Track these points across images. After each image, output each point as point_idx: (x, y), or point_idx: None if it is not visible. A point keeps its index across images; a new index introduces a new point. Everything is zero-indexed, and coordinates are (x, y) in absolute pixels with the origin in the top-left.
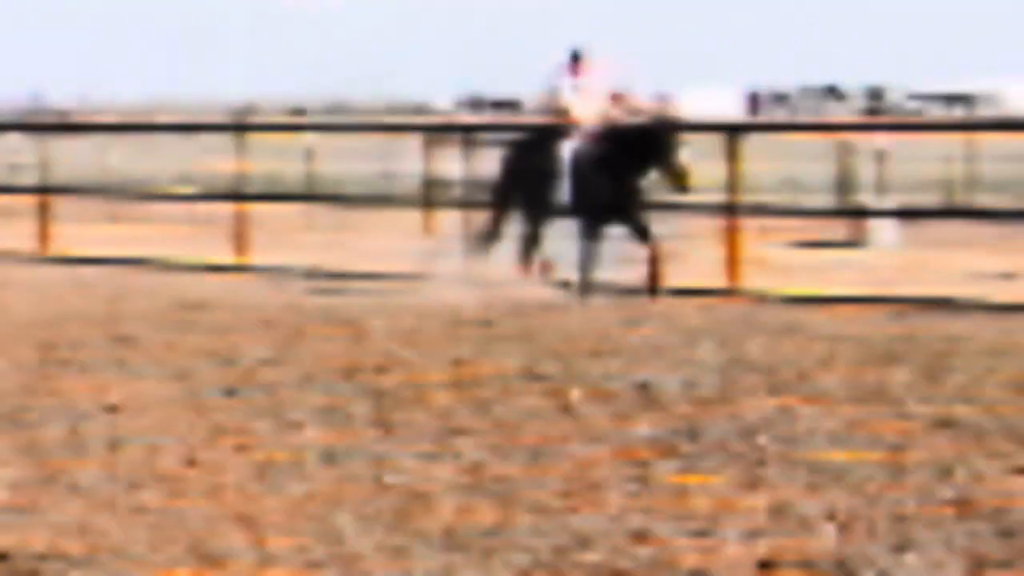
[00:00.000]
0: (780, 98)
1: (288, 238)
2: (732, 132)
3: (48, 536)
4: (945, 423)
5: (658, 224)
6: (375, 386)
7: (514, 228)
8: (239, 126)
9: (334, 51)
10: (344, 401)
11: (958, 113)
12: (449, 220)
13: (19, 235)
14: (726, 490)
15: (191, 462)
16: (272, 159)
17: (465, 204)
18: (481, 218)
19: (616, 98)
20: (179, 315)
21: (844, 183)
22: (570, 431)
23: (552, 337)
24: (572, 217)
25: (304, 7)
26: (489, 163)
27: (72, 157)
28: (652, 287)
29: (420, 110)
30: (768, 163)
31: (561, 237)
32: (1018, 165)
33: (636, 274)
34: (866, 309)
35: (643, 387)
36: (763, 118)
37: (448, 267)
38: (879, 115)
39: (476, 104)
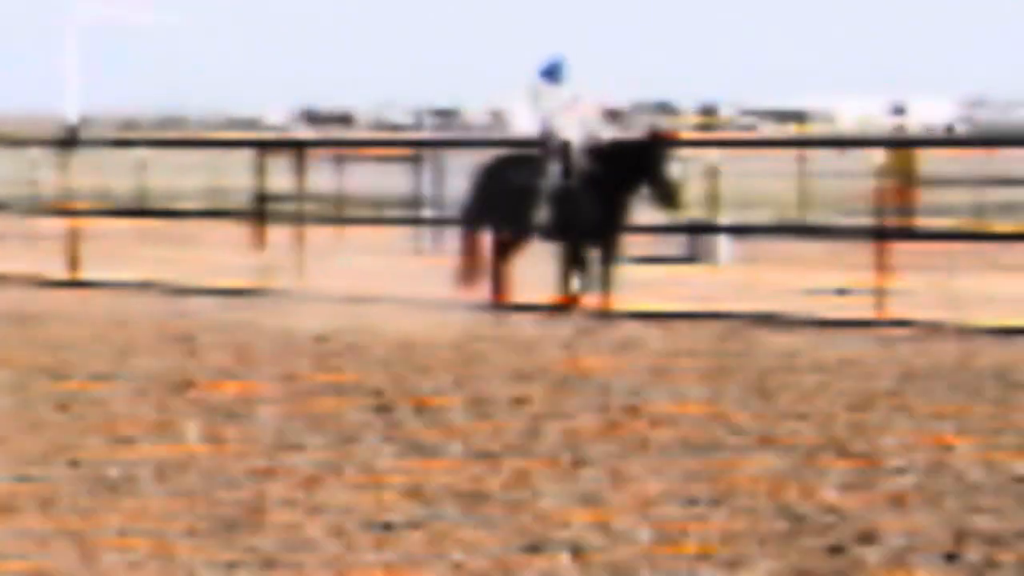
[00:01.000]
0: (613, 114)
1: (120, 253)
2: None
3: None
4: (776, 439)
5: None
6: (208, 401)
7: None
8: (69, 140)
9: (169, 65)
10: (177, 416)
11: (790, 130)
12: (281, 234)
13: None
14: (556, 506)
15: (23, 477)
16: (103, 173)
17: (297, 218)
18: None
19: (589, 110)
20: (11, 330)
21: None
22: (404, 446)
23: (386, 351)
24: (554, 240)
25: (139, 21)
26: (323, 177)
27: None
28: (561, 306)
29: (253, 124)
30: None
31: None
32: (850, 181)
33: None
34: (699, 324)
35: (474, 401)
36: None
37: (281, 281)
38: (712, 131)
39: (310, 118)
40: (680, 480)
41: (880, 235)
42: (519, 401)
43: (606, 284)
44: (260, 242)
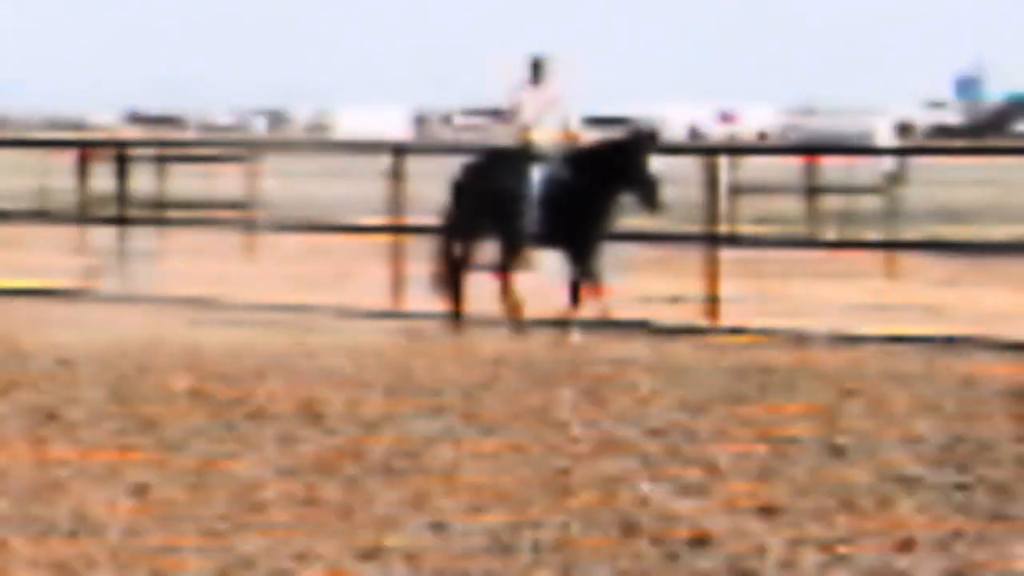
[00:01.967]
0: (445, 120)
1: None
2: (397, 152)
3: None
4: (609, 445)
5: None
6: (34, 405)
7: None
8: None
9: None
10: (0, 420)
11: None
12: (105, 236)
13: None
14: (390, 511)
15: None
16: None
17: (121, 220)
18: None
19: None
20: None
21: None
22: (235, 451)
23: (218, 357)
24: (542, 247)
25: None
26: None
27: None
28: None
29: (79, 126)
30: (435, 184)
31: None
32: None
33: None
34: (532, 332)
35: (307, 407)
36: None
37: (107, 283)
38: None
39: (137, 120)
40: (514, 486)
41: (711, 242)
42: (352, 406)
43: (590, 278)
44: (84, 244)
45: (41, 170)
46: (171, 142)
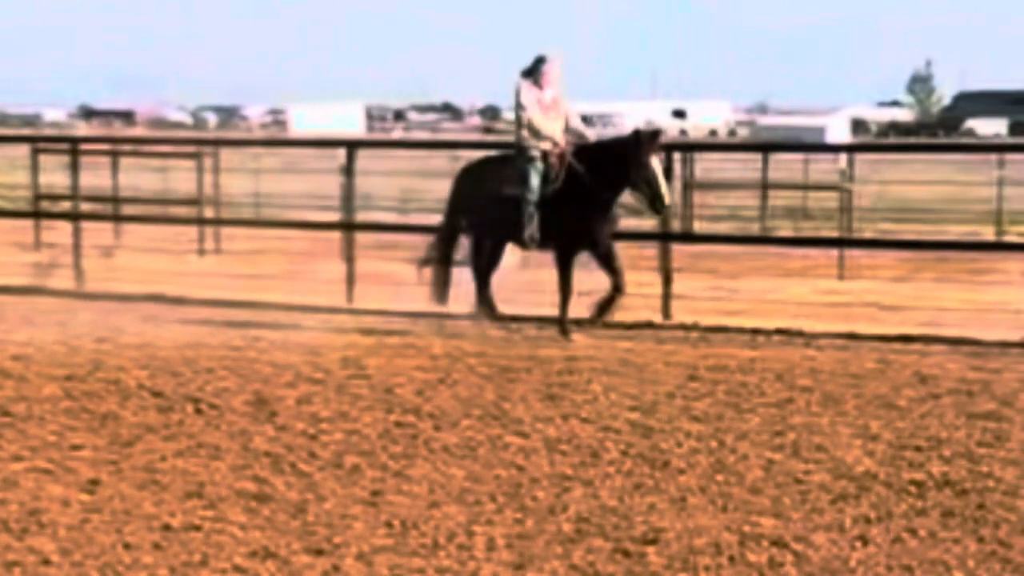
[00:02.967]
0: (398, 115)
1: None
2: (350, 148)
3: None
4: (563, 441)
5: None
6: None
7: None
8: None
9: None
10: None
11: None
12: (59, 232)
13: None
14: (344, 508)
15: None
16: None
17: (75, 216)
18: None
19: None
20: None
21: None
22: (188, 448)
23: (171, 353)
24: (542, 249)
25: None
26: (97, 175)
27: None
28: (596, 318)
29: (30, 122)
30: (386, 179)
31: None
32: None
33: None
34: (487, 327)
35: (260, 403)
36: (379, 135)
37: (60, 280)
38: (494, 133)
39: (89, 115)
40: (466, 482)
41: (664, 238)
42: (302, 403)
43: (612, 296)
44: (36, 240)
45: None
46: (124, 138)
